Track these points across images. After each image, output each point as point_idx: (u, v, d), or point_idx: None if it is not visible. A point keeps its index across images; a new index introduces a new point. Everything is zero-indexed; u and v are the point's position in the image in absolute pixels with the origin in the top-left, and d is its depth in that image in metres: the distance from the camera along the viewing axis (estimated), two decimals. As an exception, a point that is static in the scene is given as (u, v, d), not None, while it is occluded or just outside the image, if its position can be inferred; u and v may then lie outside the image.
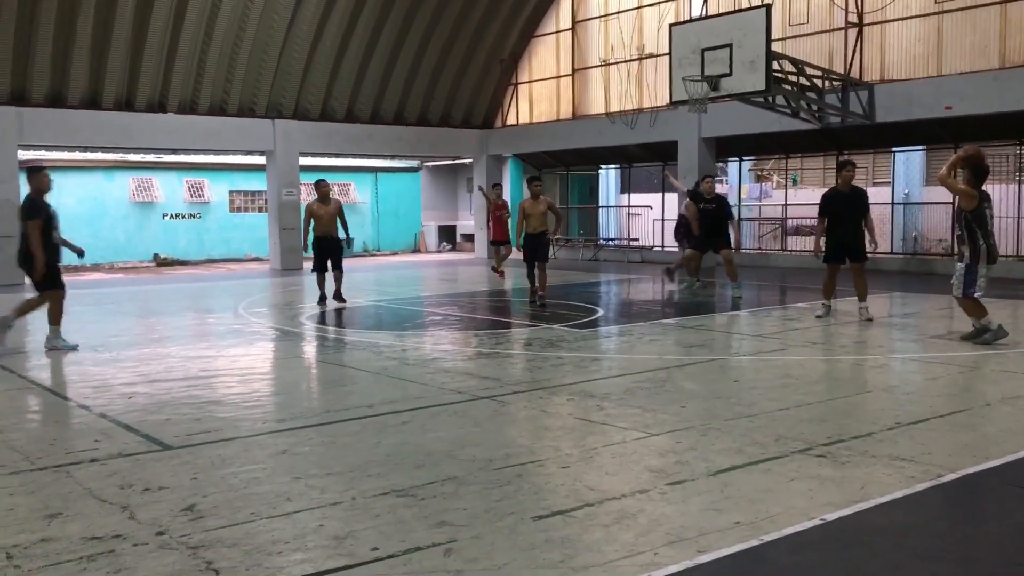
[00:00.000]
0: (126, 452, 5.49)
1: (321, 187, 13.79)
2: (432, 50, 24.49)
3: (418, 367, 8.49)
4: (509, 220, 17.27)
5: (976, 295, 8.88)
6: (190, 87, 21.66)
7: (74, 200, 25.44)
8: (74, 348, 9.65)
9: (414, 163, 31.16)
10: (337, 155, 26.40)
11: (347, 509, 4.39)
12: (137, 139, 21.36)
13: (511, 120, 26.77)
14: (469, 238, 29.90)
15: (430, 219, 32.06)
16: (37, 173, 9.71)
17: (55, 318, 9.69)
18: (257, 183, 27.32)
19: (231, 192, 28.44)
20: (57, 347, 9.58)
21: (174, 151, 24.06)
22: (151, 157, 25.71)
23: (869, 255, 11.34)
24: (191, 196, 27.63)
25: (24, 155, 21.18)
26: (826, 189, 12.45)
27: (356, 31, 22.99)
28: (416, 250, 31.48)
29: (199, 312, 14.26)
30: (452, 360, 8.94)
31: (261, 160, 24.25)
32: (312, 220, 13.46)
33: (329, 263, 13.59)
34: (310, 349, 10.16)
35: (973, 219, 8.77)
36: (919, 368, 8.25)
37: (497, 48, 25.47)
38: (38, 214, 9.38)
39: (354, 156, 27.09)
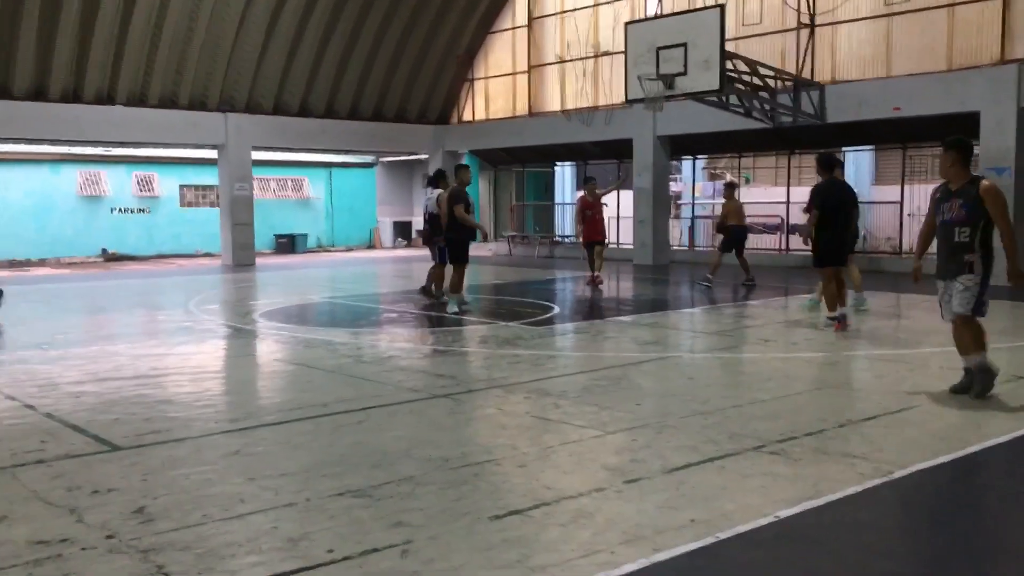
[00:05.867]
0: (73, 453, 5.36)
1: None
2: (387, 44, 24.32)
3: (374, 365, 8.42)
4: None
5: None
6: (140, 79, 21.24)
7: (20, 194, 24.89)
8: (469, 310, 11.98)
9: (369, 159, 30.95)
10: (290, 150, 26.11)
11: (302, 510, 4.34)
12: (85, 132, 20.89)
13: (467, 116, 26.70)
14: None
15: (385, 215, 31.86)
16: (463, 168, 12.49)
17: (460, 286, 12.25)
18: (209, 177, 26.90)
19: (182, 186, 27.97)
20: (465, 309, 11.95)
21: (123, 144, 23.58)
22: (99, 150, 25.17)
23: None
24: (140, 190, 27.12)
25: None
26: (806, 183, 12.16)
27: (310, 24, 22.74)
28: (371, 246, 31.28)
29: (149, 309, 14.01)
30: (408, 358, 8.89)
31: (213, 154, 23.88)
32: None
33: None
34: (263, 347, 10.03)
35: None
36: (868, 365, 8.39)
37: (453, 44, 25.37)
38: (461, 200, 12.07)
39: (308, 151, 26.81)
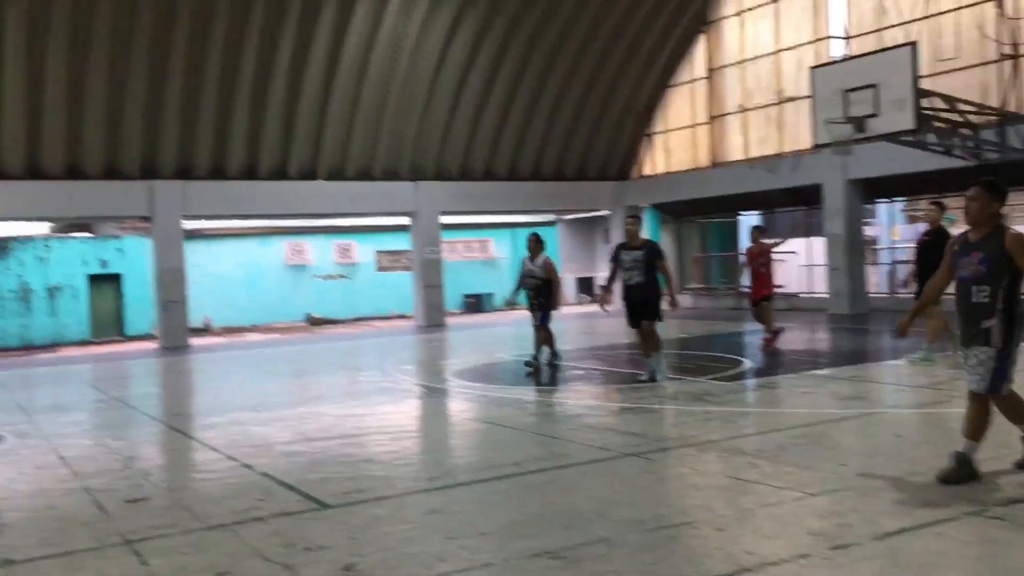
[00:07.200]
0: (287, 511, 5.69)
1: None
2: (567, 105, 24.83)
3: (562, 423, 8.47)
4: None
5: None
6: (339, 155, 22.71)
7: (232, 265, 27.02)
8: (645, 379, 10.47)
9: (551, 217, 31.49)
10: (476, 212, 27.00)
11: (500, 571, 4.40)
12: (290, 206, 22.52)
13: (647, 171, 26.72)
14: (607, 290, 29.87)
15: (568, 272, 32.14)
16: (636, 219, 11.20)
17: (656, 346, 10.68)
18: (401, 243, 28.23)
19: (377, 252, 29.49)
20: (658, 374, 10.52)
21: (324, 216, 25.22)
22: (303, 222, 27.04)
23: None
24: (340, 257, 28.82)
25: (187, 224, 22.67)
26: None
27: (493, 92, 23.59)
28: (556, 303, 31.56)
29: (350, 370, 14.74)
30: (596, 415, 8.88)
31: (405, 221, 25.07)
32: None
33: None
34: (456, 406, 10.32)
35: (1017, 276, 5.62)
36: (1104, 420, 7.60)
37: (632, 100, 25.57)
38: (611, 259, 11.43)
39: (493, 213, 27.63)
